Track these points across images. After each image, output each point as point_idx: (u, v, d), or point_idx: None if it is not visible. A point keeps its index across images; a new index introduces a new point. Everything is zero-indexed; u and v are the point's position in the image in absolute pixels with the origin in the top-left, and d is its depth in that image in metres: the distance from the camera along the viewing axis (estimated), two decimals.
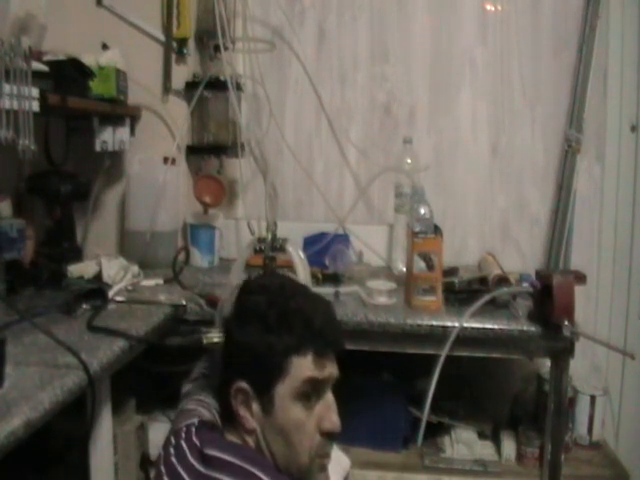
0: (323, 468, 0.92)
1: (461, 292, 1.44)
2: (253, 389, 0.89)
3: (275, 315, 0.89)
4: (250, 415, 0.89)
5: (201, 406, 1.00)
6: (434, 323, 1.33)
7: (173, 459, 0.86)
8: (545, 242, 1.89)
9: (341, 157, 1.96)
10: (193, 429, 0.90)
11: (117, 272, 1.53)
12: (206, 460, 0.83)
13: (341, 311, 1.32)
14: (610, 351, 1.71)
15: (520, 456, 1.58)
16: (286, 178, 1.99)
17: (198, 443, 0.86)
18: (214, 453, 0.83)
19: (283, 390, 0.87)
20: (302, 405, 0.88)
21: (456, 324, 1.30)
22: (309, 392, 0.88)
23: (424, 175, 1.76)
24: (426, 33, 1.92)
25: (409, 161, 1.75)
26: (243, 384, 0.89)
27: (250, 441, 0.90)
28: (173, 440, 0.89)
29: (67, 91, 1.37)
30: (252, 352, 0.89)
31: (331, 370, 0.91)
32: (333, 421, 0.89)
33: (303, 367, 0.87)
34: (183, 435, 0.89)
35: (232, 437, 0.91)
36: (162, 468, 0.86)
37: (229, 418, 0.93)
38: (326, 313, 0.94)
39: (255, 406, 0.89)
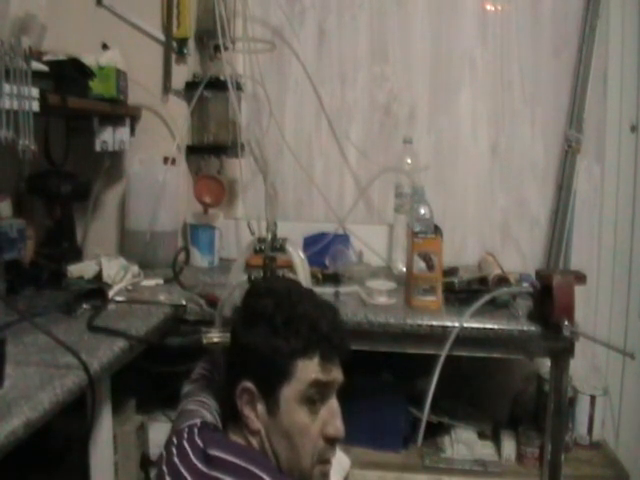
0: (325, 476, 0.92)
1: (461, 292, 1.44)
2: (259, 390, 0.89)
3: (282, 318, 0.89)
4: (255, 416, 0.89)
5: (202, 407, 1.00)
6: (434, 323, 1.33)
7: (175, 459, 0.85)
8: (545, 242, 1.89)
9: (341, 157, 1.96)
10: (195, 429, 0.90)
11: (117, 272, 1.53)
12: (209, 460, 0.83)
13: (341, 311, 1.31)
14: (610, 351, 1.71)
15: (520, 456, 1.58)
16: (286, 178, 1.99)
17: (201, 443, 0.86)
18: (217, 453, 0.83)
19: (288, 392, 0.87)
20: (307, 409, 0.88)
21: (456, 324, 1.30)
22: (314, 396, 0.88)
23: (424, 175, 1.76)
24: (426, 33, 1.92)
25: (409, 161, 1.75)
26: (249, 384, 0.89)
27: (254, 442, 0.90)
28: (175, 440, 0.89)
29: (67, 91, 1.37)
30: (258, 354, 0.89)
31: (336, 375, 0.91)
32: (337, 427, 0.89)
33: (309, 370, 0.87)
34: (185, 435, 0.89)
35: (236, 438, 0.91)
36: (164, 468, 0.86)
37: (233, 419, 0.93)
38: (333, 318, 0.94)
39: (260, 407, 0.89)
